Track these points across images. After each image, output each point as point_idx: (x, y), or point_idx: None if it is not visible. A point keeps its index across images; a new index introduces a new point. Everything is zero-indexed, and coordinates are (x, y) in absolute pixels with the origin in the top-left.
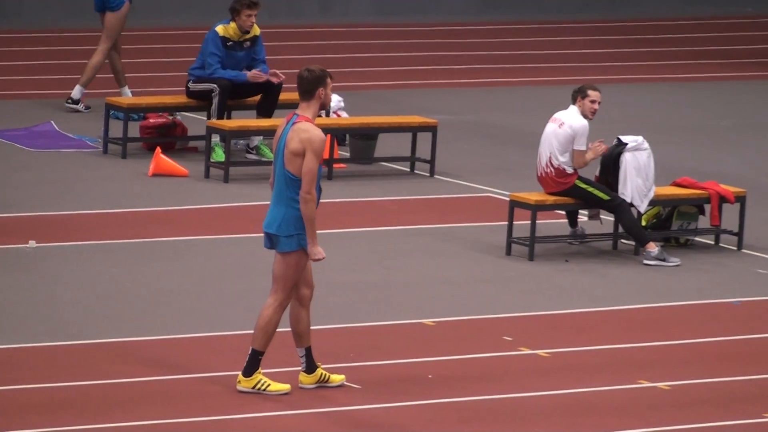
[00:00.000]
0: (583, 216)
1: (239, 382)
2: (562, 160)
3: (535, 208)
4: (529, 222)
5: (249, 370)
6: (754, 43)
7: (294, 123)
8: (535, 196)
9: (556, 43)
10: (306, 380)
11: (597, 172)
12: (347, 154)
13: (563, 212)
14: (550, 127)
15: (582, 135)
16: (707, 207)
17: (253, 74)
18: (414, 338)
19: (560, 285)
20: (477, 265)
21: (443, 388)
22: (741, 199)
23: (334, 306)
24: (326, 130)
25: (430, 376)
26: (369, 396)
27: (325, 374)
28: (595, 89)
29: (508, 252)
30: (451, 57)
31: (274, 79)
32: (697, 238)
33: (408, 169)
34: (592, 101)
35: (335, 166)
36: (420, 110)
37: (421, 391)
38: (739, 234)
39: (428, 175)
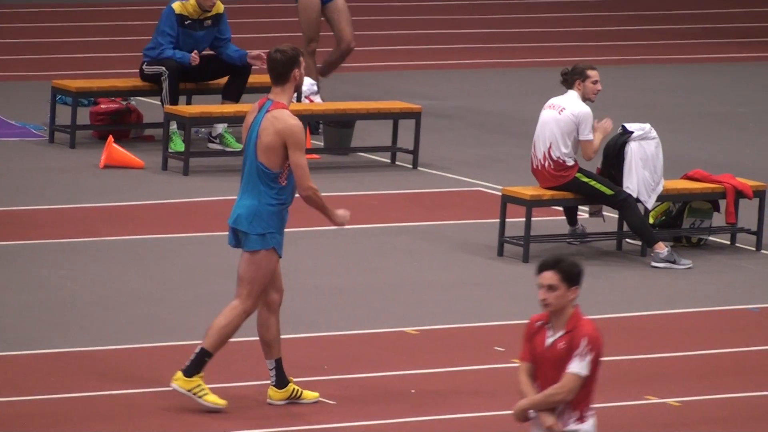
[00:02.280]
0: (583, 213)
1: (176, 379)
2: (564, 151)
3: (531, 204)
4: (523, 219)
5: (191, 370)
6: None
7: (268, 110)
8: (531, 190)
9: (551, 20)
10: (276, 396)
11: (599, 164)
12: (321, 144)
13: (561, 209)
14: (549, 114)
15: (588, 122)
16: (722, 203)
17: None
18: (395, 348)
19: None
20: (465, 267)
21: (428, 404)
22: (760, 194)
23: (305, 313)
24: (298, 116)
25: (413, 391)
26: (345, 413)
27: (298, 390)
28: (593, 68)
29: (500, 253)
30: (437, 35)
31: (258, 63)
32: (710, 238)
33: (389, 161)
34: (594, 81)
35: (307, 156)
36: (402, 95)
37: (403, 407)
38: (758, 233)
39: (411, 167)
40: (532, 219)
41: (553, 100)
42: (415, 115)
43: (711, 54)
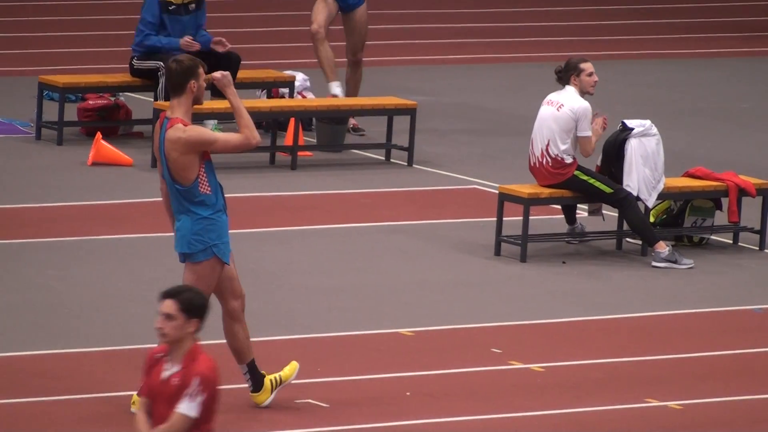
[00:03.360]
0: (582, 211)
1: (257, 398)
2: (562, 148)
3: (528, 203)
4: (520, 218)
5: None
6: None
7: (166, 130)
8: (528, 188)
9: (549, 14)
10: (259, 398)
11: (598, 162)
12: (314, 141)
13: (560, 207)
14: (547, 111)
15: (586, 118)
16: (724, 201)
17: (186, 42)
18: (389, 350)
19: (556, 290)
20: (461, 266)
21: (423, 408)
22: (763, 192)
23: (298, 313)
24: (290, 113)
25: (408, 394)
26: (338, 416)
27: (276, 378)
28: (585, 60)
29: (497, 252)
30: (432, 30)
31: (220, 48)
32: (713, 237)
33: (383, 158)
34: (590, 74)
35: (300, 154)
36: (397, 90)
37: (397, 410)
38: (762, 232)
39: (406, 164)
40: (530, 218)
41: (551, 96)
42: (410, 112)
43: (712, 48)
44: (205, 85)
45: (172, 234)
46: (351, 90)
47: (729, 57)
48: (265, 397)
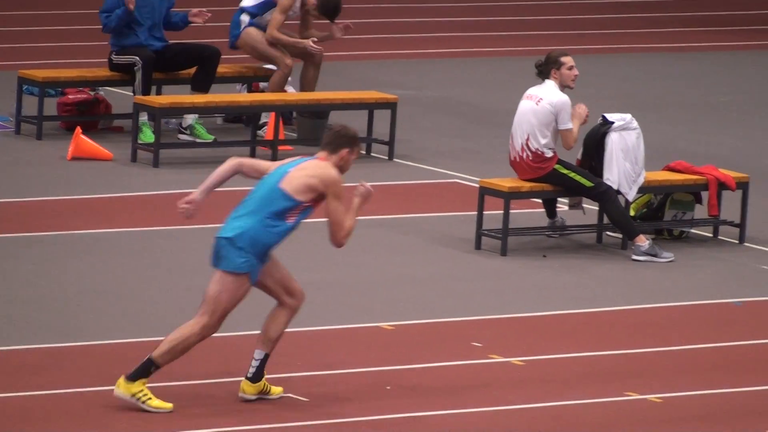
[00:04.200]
0: (563, 205)
1: (118, 385)
2: (543, 142)
3: (509, 196)
4: (501, 212)
5: (135, 376)
6: (760, 7)
7: (315, 158)
8: (509, 182)
9: (530, 8)
10: (249, 389)
11: (579, 156)
12: (294, 135)
13: (540, 201)
14: (526, 105)
15: (566, 111)
16: (704, 195)
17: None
18: (370, 344)
19: (537, 283)
20: (442, 260)
21: (403, 401)
22: (743, 186)
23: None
24: (270, 106)
25: (388, 388)
26: (318, 410)
27: (268, 386)
28: (566, 54)
29: (478, 246)
30: (413, 24)
31: (198, 19)
32: (693, 230)
33: (364, 152)
34: (570, 67)
35: (280, 147)
36: (378, 84)
37: (377, 404)
38: (741, 225)
39: (387, 158)
40: (511, 211)
41: (531, 91)
42: (391, 106)
43: (691, 42)
44: (350, 165)
45: (151, 229)
46: (310, 86)
47: (708, 51)
48: (254, 391)
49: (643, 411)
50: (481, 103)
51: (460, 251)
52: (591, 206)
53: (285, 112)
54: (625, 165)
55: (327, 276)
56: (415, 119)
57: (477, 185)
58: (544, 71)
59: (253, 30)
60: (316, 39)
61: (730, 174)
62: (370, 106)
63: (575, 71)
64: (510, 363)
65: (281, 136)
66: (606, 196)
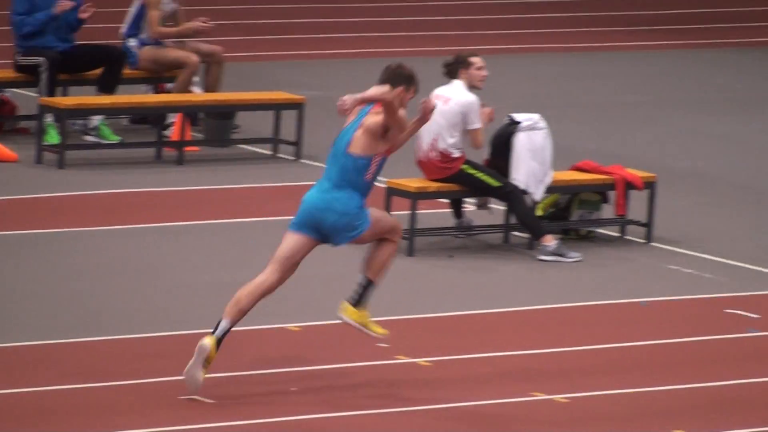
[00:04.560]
0: (470, 205)
1: (345, 310)
2: (450, 142)
3: (416, 197)
4: (408, 212)
5: (358, 302)
6: (664, 7)
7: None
8: (416, 182)
9: (439, 8)
10: (348, 311)
11: (486, 155)
12: (201, 136)
13: (447, 201)
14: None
15: (474, 111)
16: (611, 194)
17: (60, 6)
18: (276, 345)
19: (444, 283)
20: (349, 261)
21: (309, 403)
22: (650, 186)
23: (182, 310)
24: (176, 108)
25: (293, 389)
26: (224, 413)
27: (369, 322)
28: (475, 55)
29: None
30: (322, 24)
31: (85, 15)
32: (600, 230)
33: (270, 153)
34: (479, 68)
35: (186, 149)
36: (285, 85)
37: (283, 406)
38: (648, 225)
39: (294, 158)
40: (418, 212)
41: (439, 91)
42: (298, 106)
43: (600, 42)
44: (405, 105)
45: (55, 231)
46: (215, 86)
47: (616, 51)
48: (355, 318)
49: (550, 411)
50: None
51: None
52: (498, 206)
53: (191, 113)
54: (532, 165)
55: (233, 277)
56: (323, 120)
57: (384, 186)
58: (452, 71)
59: (147, 48)
60: (205, 18)
61: (638, 173)
62: (277, 107)
63: (484, 71)
64: (416, 363)
65: (187, 137)
66: (513, 196)
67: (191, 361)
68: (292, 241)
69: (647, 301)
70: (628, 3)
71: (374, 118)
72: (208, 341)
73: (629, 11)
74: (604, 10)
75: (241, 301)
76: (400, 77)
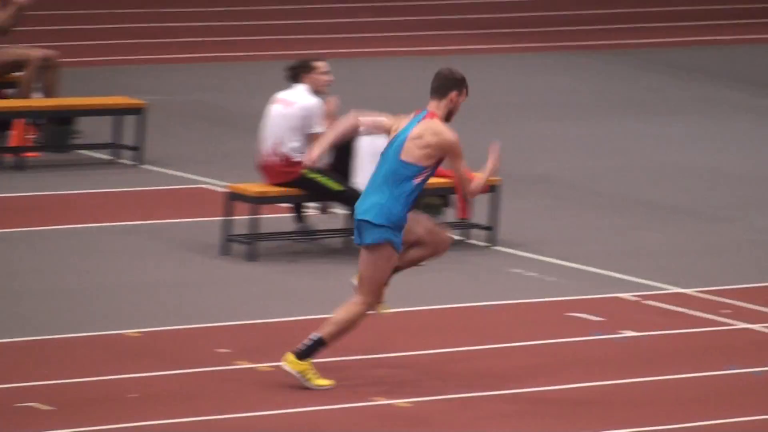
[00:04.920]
0: (312, 209)
1: (286, 359)
2: (292, 146)
3: (257, 201)
4: (250, 216)
5: (303, 355)
6: (507, 10)
7: (423, 118)
8: (257, 187)
9: (282, 12)
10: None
11: (329, 160)
12: (40, 141)
13: (289, 205)
14: (276, 109)
15: (318, 115)
16: (454, 198)
17: None
18: (114, 352)
19: (286, 288)
20: (189, 266)
21: (148, 409)
22: (494, 189)
23: (22, 316)
24: (14, 113)
25: (132, 396)
26: (63, 419)
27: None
28: (319, 59)
29: (226, 252)
30: (161, 29)
31: None
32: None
33: (111, 158)
34: (323, 72)
35: (26, 154)
36: (126, 90)
37: (122, 412)
38: (492, 228)
39: (135, 164)
40: (259, 216)
41: (281, 94)
42: (139, 111)
43: (441, 46)
44: (458, 108)
45: None
46: (53, 90)
47: (457, 54)
48: (291, 365)
49: (392, 416)
50: (232, 107)
51: (209, 257)
52: (340, 211)
53: (30, 118)
54: (373, 169)
55: (73, 283)
56: (165, 125)
57: (225, 190)
58: (295, 75)
59: None
60: None
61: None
62: (118, 112)
63: (329, 76)
64: (256, 369)
65: (26, 143)
66: (354, 200)
67: None
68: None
69: (491, 305)
70: (472, 6)
71: (431, 146)
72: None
73: (474, 14)
74: (453, 13)
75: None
76: (453, 82)
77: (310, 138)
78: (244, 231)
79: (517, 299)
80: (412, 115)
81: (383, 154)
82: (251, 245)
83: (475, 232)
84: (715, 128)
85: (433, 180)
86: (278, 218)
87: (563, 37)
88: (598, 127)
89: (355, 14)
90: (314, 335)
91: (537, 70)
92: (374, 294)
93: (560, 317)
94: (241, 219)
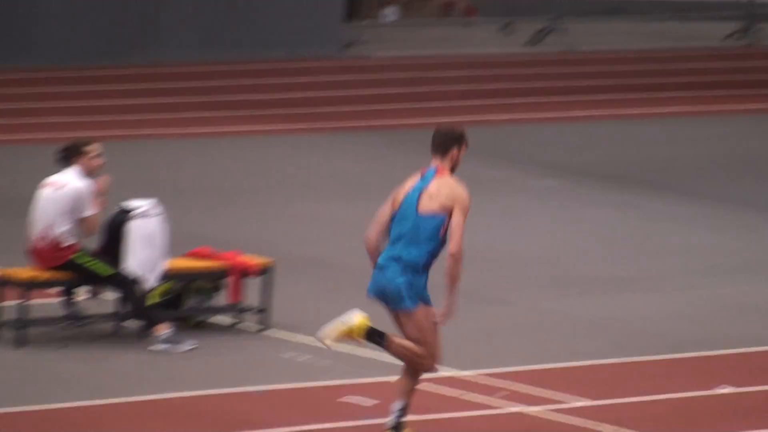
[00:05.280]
0: (82, 294)
1: None
2: (62, 230)
3: (27, 286)
4: (19, 302)
5: (398, 428)
6: (276, 91)
7: (435, 175)
8: (27, 272)
9: (48, 95)
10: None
11: (99, 243)
12: None
13: (60, 290)
14: (46, 193)
15: (88, 199)
16: (228, 281)
17: None
18: None
19: (56, 375)
20: None
21: None
22: (267, 272)
23: None
24: None
25: None
26: None
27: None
28: (91, 143)
29: None
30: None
31: None
32: (215, 318)
33: None
34: (94, 156)
35: None
36: None
37: None
38: (265, 311)
39: None
40: (29, 302)
41: (52, 178)
42: None
43: (214, 128)
44: (459, 163)
45: None
46: None
47: (236, 136)
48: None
49: None
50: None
51: None
52: (111, 295)
53: None
54: (145, 252)
55: None
56: None
57: None
58: (66, 158)
59: None
60: None
61: (254, 259)
62: None
63: (99, 160)
64: None
65: None
66: (125, 285)
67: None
68: None
69: (263, 390)
70: (242, 88)
71: (449, 198)
72: (358, 318)
73: (242, 95)
74: (220, 94)
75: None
76: (453, 139)
77: (81, 222)
78: (13, 317)
79: (291, 383)
80: (418, 175)
81: (396, 220)
82: (20, 331)
83: (248, 315)
84: (487, 208)
85: (207, 263)
86: (49, 303)
87: (338, 118)
88: (370, 208)
89: (126, 96)
90: (396, 406)
91: (308, 150)
92: (434, 355)
93: (334, 401)
94: (11, 305)
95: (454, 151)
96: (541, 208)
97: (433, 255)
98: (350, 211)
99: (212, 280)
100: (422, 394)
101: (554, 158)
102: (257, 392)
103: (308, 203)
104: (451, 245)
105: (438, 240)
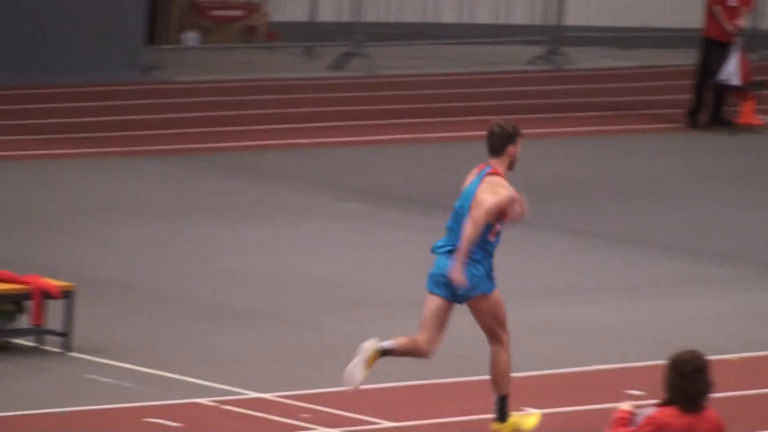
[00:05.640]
0: None
1: (496, 430)
2: None
3: None
4: None
5: (504, 416)
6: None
7: (486, 174)
8: None
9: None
10: (497, 427)
11: None
12: None
13: None
14: None
15: None
16: (29, 304)
17: None
18: None
19: None
20: None
21: None
22: (69, 295)
23: None
24: None
25: None
26: None
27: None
28: None
29: None
30: None
31: None
32: (17, 340)
33: None
34: None
35: None
36: None
37: None
38: (67, 334)
39: None
40: None
41: None
42: None
43: (28, 151)
44: (516, 158)
45: None
46: None
47: (61, 159)
48: (504, 430)
49: None
50: None
51: None
52: None
53: None
54: None
55: None
56: None
57: None
58: None
59: None
60: None
61: (55, 283)
62: None
63: None
64: None
65: None
66: None
67: (353, 362)
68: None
69: (67, 411)
70: (41, 111)
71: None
72: (370, 344)
73: (35, 120)
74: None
75: (408, 344)
76: (506, 138)
77: None
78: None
79: (93, 405)
80: (476, 170)
81: (457, 213)
82: None
83: (49, 338)
84: (290, 231)
85: (7, 286)
86: None
87: (139, 142)
88: (172, 231)
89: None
90: (496, 397)
91: (107, 173)
92: (504, 332)
93: (138, 423)
94: None
95: (510, 149)
96: (343, 231)
97: (482, 249)
98: (150, 233)
99: (14, 302)
100: (228, 415)
101: (357, 182)
102: (61, 413)
103: (108, 226)
104: (465, 236)
105: (489, 242)
